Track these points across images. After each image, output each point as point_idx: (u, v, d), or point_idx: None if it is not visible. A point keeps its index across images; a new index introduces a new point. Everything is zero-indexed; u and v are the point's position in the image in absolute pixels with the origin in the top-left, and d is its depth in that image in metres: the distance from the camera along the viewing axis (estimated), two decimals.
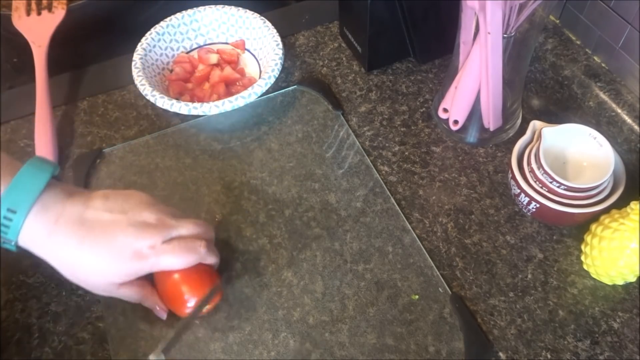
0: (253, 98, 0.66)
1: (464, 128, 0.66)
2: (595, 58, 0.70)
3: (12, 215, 0.44)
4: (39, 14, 0.75)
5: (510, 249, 0.58)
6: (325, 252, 0.59)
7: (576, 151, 0.58)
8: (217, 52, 0.75)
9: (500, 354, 0.52)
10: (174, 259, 0.49)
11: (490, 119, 0.63)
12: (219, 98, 0.68)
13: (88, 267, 0.47)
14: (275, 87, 0.73)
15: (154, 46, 0.72)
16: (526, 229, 0.60)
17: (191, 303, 0.51)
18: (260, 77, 0.68)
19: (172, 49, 0.75)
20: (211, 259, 0.52)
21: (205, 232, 0.53)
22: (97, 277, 0.48)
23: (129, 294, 0.51)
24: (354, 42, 0.74)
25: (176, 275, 0.51)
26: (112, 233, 0.47)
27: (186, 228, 0.51)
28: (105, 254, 0.47)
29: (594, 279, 0.56)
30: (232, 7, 0.75)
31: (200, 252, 0.51)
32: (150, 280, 0.53)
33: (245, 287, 0.56)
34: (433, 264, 0.57)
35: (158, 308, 0.53)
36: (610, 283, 0.55)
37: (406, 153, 0.66)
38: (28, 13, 0.75)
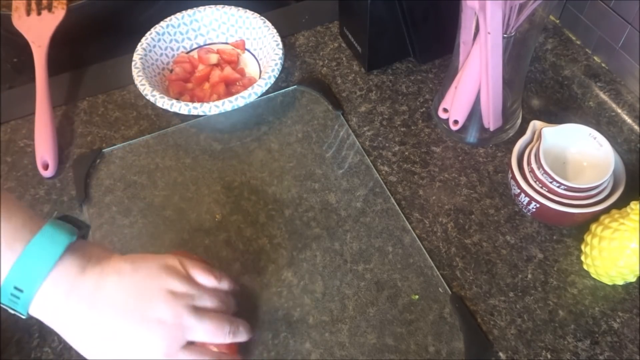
0: (253, 98, 0.66)
1: (464, 128, 0.66)
2: (595, 58, 0.70)
3: (19, 293, 0.41)
4: (39, 14, 0.75)
5: (510, 249, 0.58)
6: (325, 252, 0.59)
7: (576, 151, 0.58)
8: (217, 52, 0.75)
9: (500, 354, 0.52)
10: (209, 337, 0.46)
11: (490, 119, 0.63)
12: (219, 98, 0.68)
13: (104, 350, 0.44)
14: (275, 87, 0.73)
15: (154, 46, 0.72)
16: (526, 229, 0.60)
17: None
18: (260, 77, 0.68)
19: (172, 49, 0.75)
20: (239, 339, 0.49)
21: (225, 302, 0.50)
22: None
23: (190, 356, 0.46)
24: (354, 42, 0.75)
25: None
26: (120, 329, 0.44)
27: (206, 300, 0.47)
28: (127, 348, 0.44)
29: (594, 279, 0.56)
30: (232, 7, 0.75)
31: (229, 334, 0.47)
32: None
33: (246, 287, 0.56)
34: (433, 264, 0.57)
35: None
36: (610, 283, 0.55)
37: (406, 153, 0.66)
38: (28, 13, 0.75)
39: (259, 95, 0.66)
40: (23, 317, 0.43)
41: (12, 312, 0.42)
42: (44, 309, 0.42)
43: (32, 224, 0.42)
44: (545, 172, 0.54)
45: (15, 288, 0.41)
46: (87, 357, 0.44)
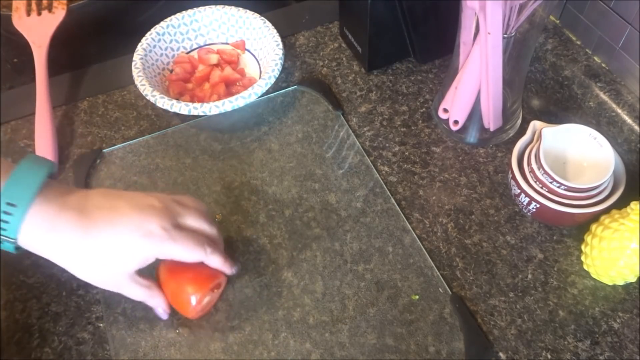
0: (253, 98, 0.66)
1: (464, 128, 0.66)
2: (596, 58, 0.70)
3: (12, 209, 0.42)
4: (39, 14, 0.75)
5: (511, 249, 0.58)
6: (325, 252, 0.59)
7: (576, 151, 0.58)
8: (217, 52, 0.75)
9: (501, 354, 0.52)
10: (183, 250, 0.48)
11: (491, 119, 0.63)
12: (219, 98, 0.68)
13: (95, 258, 0.45)
14: (275, 87, 0.73)
15: (154, 46, 0.72)
16: (526, 229, 0.60)
17: (194, 302, 0.51)
18: (260, 78, 0.68)
19: (172, 49, 0.75)
20: (214, 261, 0.51)
21: (210, 228, 0.52)
22: (106, 268, 0.46)
23: (136, 291, 0.49)
24: (354, 42, 0.75)
25: (176, 274, 0.51)
26: (118, 217, 0.45)
27: (192, 218, 0.50)
28: (113, 240, 0.45)
29: (594, 279, 0.56)
30: (232, 7, 0.75)
31: (207, 250, 0.49)
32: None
33: (246, 287, 0.56)
34: (433, 264, 0.57)
35: (161, 310, 0.52)
36: (610, 283, 0.55)
37: (406, 153, 0.66)
38: (28, 13, 0.75)
39: (259, 95, 0.66)
40: (11, 249, 0.44)
41: (3, 244, 0.43)
42: (36, 232, 0.43)
43: (11, 163, 0.45)
44: (546, 173, 0.54)
45: (8, 204, 0.42)
46: (80, 276, 0.46)
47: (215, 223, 0.54)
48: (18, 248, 0.45)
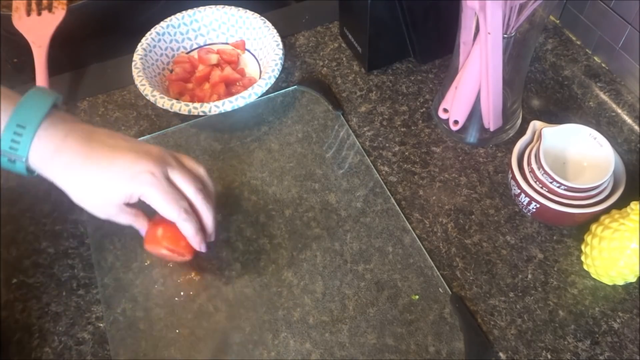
0: (253, 98, 0.66)
1: (464, 128, 0.66)
2: (596, 58, 0.70)
3: (22, 130, 0.46)
4: (39, 14, 0.75)
5: (511, 249, 0.58)
6: (325, 252, 0.59)
7: (576, 151, 0.58)
8: (217, 52, 0.75)
9: (501, 354, 0.52)
10: (160, 201, 0.50)
11: (491, 119, 0.63)
12: (219, 98, 0.68)
13: (90, 186, 0.49)
14: (275, 87, 0.73)
15: (154, 46, 0.72)
16: (526, 229, 0.60)
17: (152, 240, 0.54)
18: (260, 78, 0.68)
19: (172, 49, 0.75)
20: (185, 228, 0.52)
21: (196, 193, 0.53)
22: (98, 196, 0.49)
23: (124, 218, 0.52)
24: (354, 42, 0.74)
25: (160, 230, 0.53)
26: (116, 154, 0.49)
27: (182, 175, 0.52)
28: (105, 174, 0.48)
29: (594, 279, 0.56)
30: (232, 7, 0.75)
31: (181, 213, 0.51)
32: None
33: (246, 287, 0.56)
34: (433, 264, 0.57)
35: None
36: (610, 283, 0.55)
37: (406, 153, 0.66)
38: (28, 13, 0.75)
39: (259, 95, 0.66)
40: (23, 170, 0.47)
41: (11, 164, 0.47)
42: (43, 153, 0.47)
43: (17, 93, 0.48)
44: (546, 172, 0.54)
45: (18, 125, 0.46)
46: (76, 201, 0.49)
47: (212, 192, 0.55)
48: (29, 170, 0.48)
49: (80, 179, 0.48)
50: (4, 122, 0.46)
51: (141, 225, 0.53)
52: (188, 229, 0.52)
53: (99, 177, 0.48)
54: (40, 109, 0.47)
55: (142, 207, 0.52)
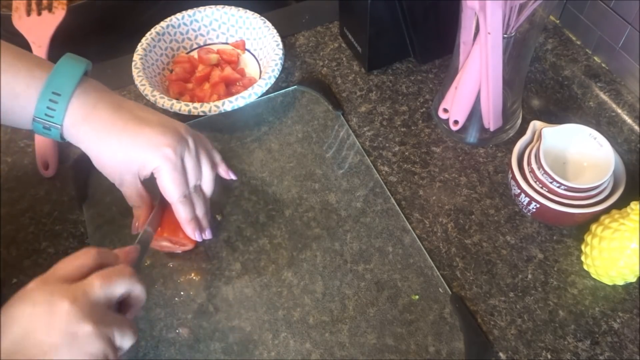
0: (253, 98, 0.66)
1: (464, 128, 0.66)
2: (596, 58, 0.70)
3: (57, 97, 0.47)
4: (39, 14, 0.75)
5: (511, 249, 0.58)
6: (325, 252, 0.59)
7: (576, 151, 0.58)
8: (217, 52, 0.75)
9: (501, 354, 0.52)
10: (168, 178, 0.50)
11: (490, 119, 0.63)
12: (219, 98, 0.68)
13: (113, 150, 0.49)
14: (275, 87, 0.73)
15: (154, 46, 0.72)
16: (526, 229, 0.60)
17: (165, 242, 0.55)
18: (260, 78, 0.68)
19: (172, 49, 0.75)
20: (180, 211, 0.52)
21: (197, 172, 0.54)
22: (119, 161, 0.50)
23: (130, 192, 0.52)
24: (354, 42, 0.75)
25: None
26: (143, 125, 0.50)
27: (194, 162, 0.52)
28: (133, 140, 0.49)
29: (594, 279, 0.56)
30: (232, 7, 0.75)
31: (181, 197, 0.51)
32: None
33: (246, 287, 0.56)
34: (433, 264, 0.57)
35: (137, 224, 0.54)
36: (610, 283, 0.55)
37: (406, 153, 0.66)
38: (28, 13, 0.75)
39: (259, 95, 0.66)
40: (57, 137, 0.49)
41: (47, 131, 0.48)
42: (74, 119, 0.48)
43: (46, 62, 0.50)
44: (546, 172, 0.54)
45: (54, 93, 0.47)
46: (95, 164, 0.50)
47: (212, 181, 0.56)
48: (62, 137, 0.49)
49: (105, 144, 0.49)
50: (38, 89, 0.47)
51: (139, 210, 0.54)
52: (183, 213, 0.52)
53: (124, 144, 0.49)
54: (75, 76, 0.48)
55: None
